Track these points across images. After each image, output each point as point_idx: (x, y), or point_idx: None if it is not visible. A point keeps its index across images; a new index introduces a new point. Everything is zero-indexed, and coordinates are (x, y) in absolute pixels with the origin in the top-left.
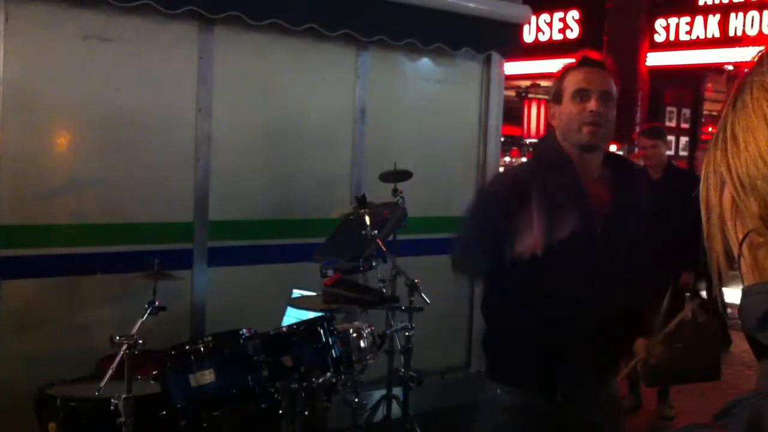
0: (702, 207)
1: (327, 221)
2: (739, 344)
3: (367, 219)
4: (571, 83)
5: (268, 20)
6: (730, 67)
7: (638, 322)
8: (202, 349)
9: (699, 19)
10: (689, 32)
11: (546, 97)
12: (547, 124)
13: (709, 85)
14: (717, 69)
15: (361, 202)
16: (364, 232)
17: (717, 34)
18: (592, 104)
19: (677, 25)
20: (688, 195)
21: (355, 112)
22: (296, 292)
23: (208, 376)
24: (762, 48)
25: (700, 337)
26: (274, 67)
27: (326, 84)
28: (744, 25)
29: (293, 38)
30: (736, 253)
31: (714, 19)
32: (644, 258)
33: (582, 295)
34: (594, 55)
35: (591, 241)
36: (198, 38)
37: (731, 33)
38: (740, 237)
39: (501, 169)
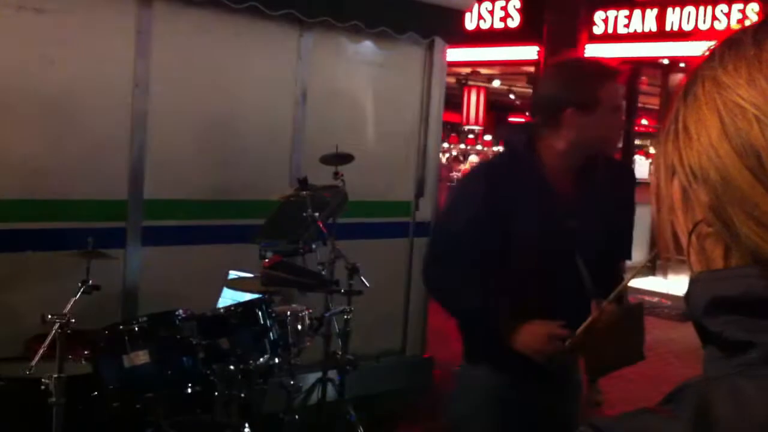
0: (652, 198)
1: (267, 203)
2: (667, 332)
3: (308, 201)
4: (611, 97)
5: None
6: (666, 61)
7: None
8: (136, 329)
9: (637, 12)
10: (627, 25)
11: (485, 84)
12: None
13: (644, 78)
14: (653, 63)
15: (303, 184)
16: (304, 214)
17: (654, 28)
18: (623, 120)
19: (616, 18)
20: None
21: (297, 94)
22: (233, 274)
23: (142, 357)
24: (712, 43)
25: (625, 321)
26: (215, 45)
27: (268, 64)
28: (680, 20)
29: (235, 16)
30: (684, 243)
31: (651, 14)
32: (609, 249)
33: (556, 285)
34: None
35: (560, 232)
36: (137, 12)
37: (668, 27)
38: (689, 227)
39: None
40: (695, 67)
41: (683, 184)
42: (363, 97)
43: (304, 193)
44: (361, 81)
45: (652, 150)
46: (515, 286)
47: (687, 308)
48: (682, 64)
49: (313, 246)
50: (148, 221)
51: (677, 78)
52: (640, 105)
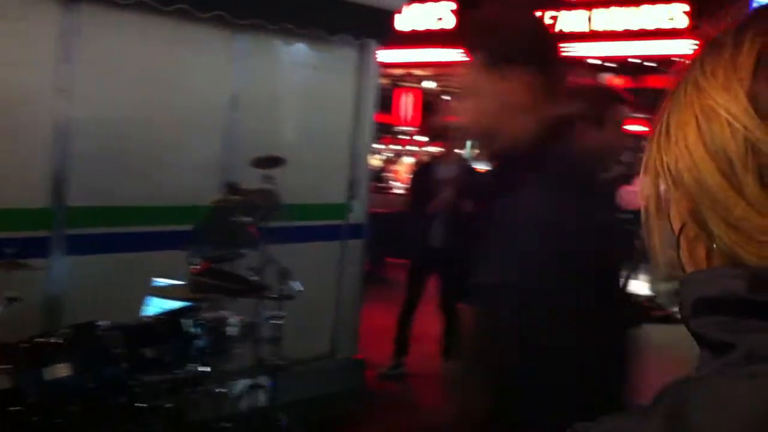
0: (641, 199)
1: (196, 208)
2: None
3: (239, 206)
4: (620, 117)
5: None
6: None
7: None
8: (56, 341)
9: (565, 13)
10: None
11: (416, 85)
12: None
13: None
14: (582, 62)
15: (233, 188)
16: (235, 219)
17: (585, 29)
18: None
19: (544, 19)
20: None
21: (229, 97)
22: (158, 281)
23: (62, 370)
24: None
25: None
26: (144, 48)
27: (199, 67)
28: (608, 21)
29: (164, 18)
30: (672, 244)
31: (580, 14)
32: None
33: None
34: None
35: None
36: (61, 16)
37: (597, 27)
38: (678, 228)
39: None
40: (683, 70)
41: (667, 186)
42: (295, 99)
43: (234, 197)
44: (294, 83)
45: None
46: None
47: (679, 310)
48: (611, 64)
49: (244, 251)
50: (73, 229)
51: (605, 77)
52: None
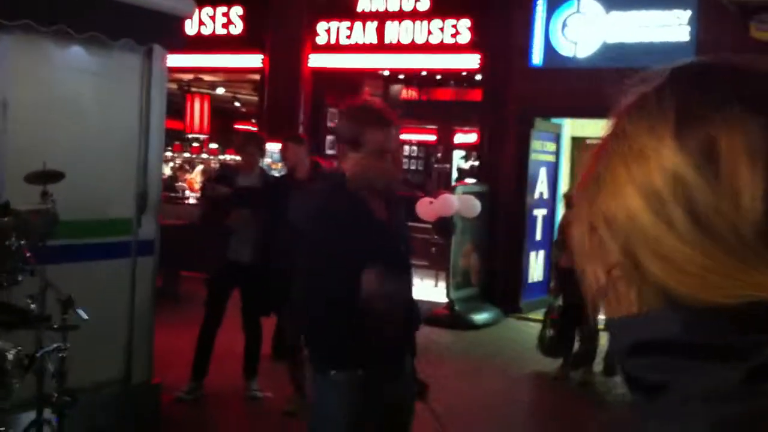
0: (575, 250)
1: None
2: None
3: (11, 228)
4: (375, 141)
5: None
6: (387, 73)
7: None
8: None
9: (358, 24)
10: (349, 36)
11: (209, 91)
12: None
13: (367, 88)
14: (374, 74)
15: (4, 209)
16: (7, 242)
17: (374, 41)
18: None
19: (338, 29)
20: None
21: None
22: None
23: None
24: (427, 56)
25: None
26: None
27: None
28: (399, 34)
29: None
30: (601, 286)
31: (372, 26)
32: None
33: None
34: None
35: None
36: None
37: (387, 40)
38: (605, 273)
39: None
40: (605, 136)
41: (598, 233)
42: (75, 108)
43: (5, 219)
44: (72, 90)
45: None
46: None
47: (612, 354)
48: (401, 76)
49: (19, 277)
50: None
51: (397, 88)
52: None
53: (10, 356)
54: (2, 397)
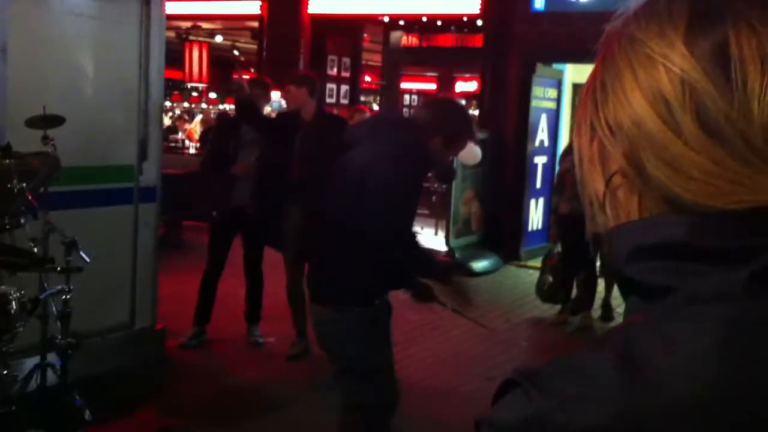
0: (575, 155)
1: None
2: None
3: (13, 170)
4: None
5: None
6: (387, 19)
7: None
8: None
9: None
10: None
11: (208, 39)
12: None
13: (366, 35)
14: (374, 20)
15: (6, 151)
16: (9, 185)
17: None
18: None
19: None
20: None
21: None
22: None
23: None
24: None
25: None
26: None
27: None
28: None
29: None
30: (600, 195)
31: None
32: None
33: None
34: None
35: None
36: None
37: None
38: (605, 181)
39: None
40: (612, 30)
41: (600, 138)
42: (74, 52)
43: (7, 161)
44: (71, 34)
45: (375, 106)
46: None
47: (606, 260)
48: (401, 22)
49: (22, 220)
50: None
51: (397, 35)
52: (363, 62)
53: (14, 300)
54: (7, 340)
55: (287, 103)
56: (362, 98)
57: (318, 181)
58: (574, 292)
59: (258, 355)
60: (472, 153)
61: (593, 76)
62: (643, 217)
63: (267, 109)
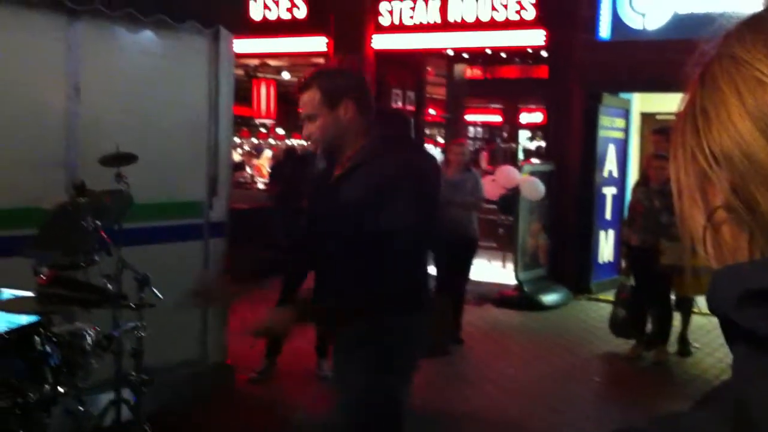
0: (673, 186)
1: (38, 211)
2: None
3: (87, 208)
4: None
5: None
6: (450, 52)
7: None
8: None
9: (421, 4)
10: (412, 16)
11: (273, 76)
12: None
13: (430, 69)
14: (438, 53)
15: (80, 189)
16: (83, 223)
17: (438, 20)
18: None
19: (401, 10)
20: None
21: (68, 89)
22: (6, 293)
23: None
24: (494, 33)
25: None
26: None
27: (33, 56)
28: (462, 12)
29: None
30: (700, 231)
31: (435, 5)
32: None
33: None
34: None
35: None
36: None
37: (450, 19)
38: (707, 216)
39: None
40: (708, 51)
41: (703, 169)
42: (145, 91)
43: (81, 199)
44: (142, 73)
45: (440, 139)
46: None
47: (711, 304)
48: (465, 55)
49: (96, 257)
50: None
51: (461, 68)
52: (427, 95)
53: (88, 336)
54: (82, 377)
55: None
56: (427, 131)
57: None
58: (649, 326)
59: (326, 389)
60: (534, 187)
61: (691, 101)
62: (754, 259)
63: None
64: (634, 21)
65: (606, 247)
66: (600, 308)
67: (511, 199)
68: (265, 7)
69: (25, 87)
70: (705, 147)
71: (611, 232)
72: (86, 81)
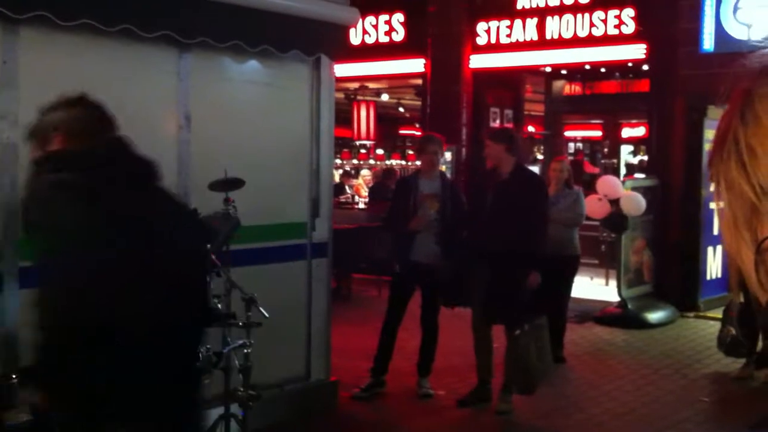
0: (720, 222)
1: None
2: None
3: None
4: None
5: (78, 20)
6: (548, 69)
7: None
8: None
9: (518, 22)
10: (509, 35)
11: (374, 98)
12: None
13: (528, 86)
14: (535, 71)
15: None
16: None
17: (535, 37)
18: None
19: (498, 29)
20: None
21: (179, 118)
22: None
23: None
24: (593, 48)
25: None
26: (88, 70)
27: (146, 88)
28: (560, 28)
29: (108, 39)
30: (750, 264)
31: (532, 23)
32: None
33: None
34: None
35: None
36: (0, 41)
37: (548, 36)
38: (755, 245)
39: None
40: (746, 86)
41: (751, 202)
42: (250, 118)
43: None
44: (247, 101)
45: (539, 156)
46: None
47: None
48: (563, 71)
49: (207, 279)
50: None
51: (560, 84)
52: (525, 112)
53: (200, 354)
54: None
55: (487, 158)
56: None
57: (502, 244)
58: (759, 344)
59: (427, 407)
60: (635, 203)
61: (733, 136)
62: None
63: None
64: (738, 32)
65: (714, 263)
66: (708, 326)
67: (618, 217)
68: (364, 32)
69: (139, 116)
70: (754, 182)
71: (719, 248)
72: (196, 110)
